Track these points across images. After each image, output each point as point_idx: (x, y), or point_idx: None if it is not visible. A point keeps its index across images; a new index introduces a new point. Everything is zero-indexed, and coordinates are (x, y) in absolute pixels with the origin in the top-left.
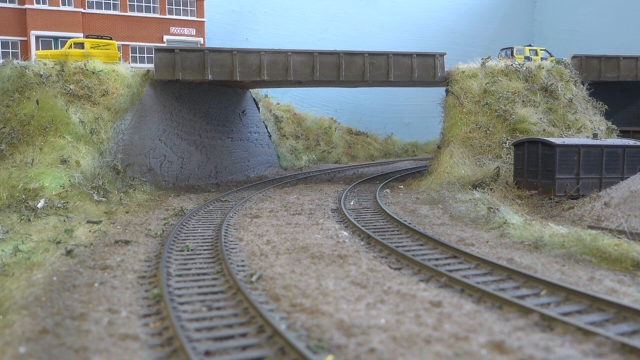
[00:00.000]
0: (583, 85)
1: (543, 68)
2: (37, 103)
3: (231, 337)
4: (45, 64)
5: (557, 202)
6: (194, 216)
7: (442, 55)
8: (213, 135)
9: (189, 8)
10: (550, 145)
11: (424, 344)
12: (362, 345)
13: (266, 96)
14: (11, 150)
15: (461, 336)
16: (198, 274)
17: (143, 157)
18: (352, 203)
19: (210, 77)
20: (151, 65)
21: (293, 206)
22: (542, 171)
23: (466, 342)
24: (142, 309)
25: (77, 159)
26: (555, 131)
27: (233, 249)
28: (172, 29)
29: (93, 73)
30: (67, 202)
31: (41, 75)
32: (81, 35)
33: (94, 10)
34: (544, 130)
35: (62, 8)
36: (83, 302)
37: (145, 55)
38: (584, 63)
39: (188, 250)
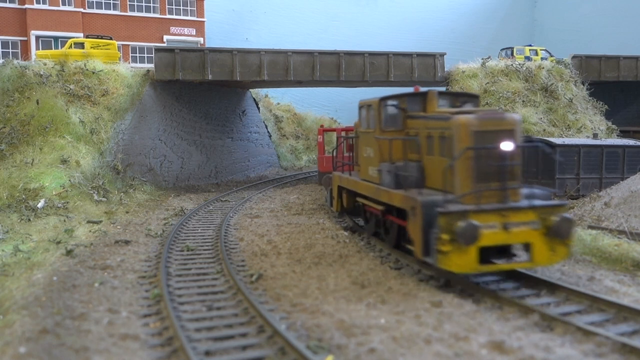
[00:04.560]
0: (583, 85)
1: (543, 68)
2: (37, 103)
3: (231, 337)
4: (45, 64)
5: None
6: (194, 216)
7: (442, 55)
8: (213, 135)
9: (189, 8)
10: (550, 146)
11: (424, 343)
12: (363, 345)
13: (266, 96)
14: (11, 150)
15: (461, 336)
16: (198, 274)
17: (143, 157)
18: None
19: (210, 77)
20: (151, 65)
21: (294, 206)
22: (542, 171)
23: (466, 342)
24: (142, 309)
25: (77, 159)
26: (555, 131)
27: (233, 248)
28: (172, 29)
29: (93, 73)
30: (67, 202)
31: (41, 75)
32: (81, 35)
33: (94, 10)
34: (544, 130)
35: (62, 8)
36: (83, 302)
37: (145, 55)
38: (584, 63)
39: (188, 250)
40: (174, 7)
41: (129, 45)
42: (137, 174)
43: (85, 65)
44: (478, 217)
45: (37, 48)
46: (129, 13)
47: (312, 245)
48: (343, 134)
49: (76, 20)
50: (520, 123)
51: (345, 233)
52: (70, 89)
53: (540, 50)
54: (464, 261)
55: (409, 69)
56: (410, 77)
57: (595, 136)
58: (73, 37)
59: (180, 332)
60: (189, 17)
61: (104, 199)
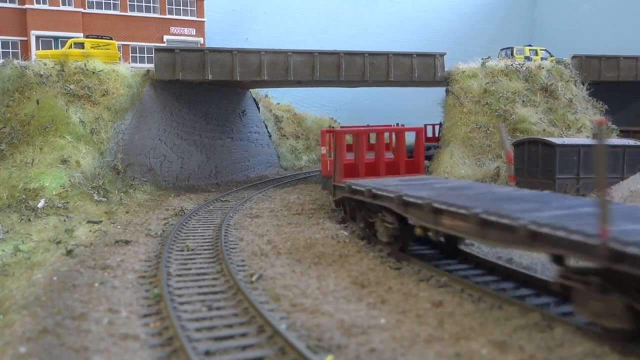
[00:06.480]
0: (583, 85)
1: (543, 68)
2: (37, 103)
3: (231, 337)
4: (45, 64)
5: None
6: (194, 216)
7: (442, 55)
8: (213, 135)
9: (189, 8)
10: (550, 145)
11: (424, 343)
12: (363, 345)
13: (266, 96)
14: (11, 150)
15: (462, 336)
16: (198, 274)
17: (143, 157)
18: None
19: (210, 77)
20: (151, 65)
21: (293, 206)
22: (542, 171)
23: (467, 342)
24: (142, 309)
25: (77, 159)
26: (555, 131)
27: (233, 248)
28: (172, 29)
29: (93, 73)
30: (67, 202)
31: (41, 75)
32: (81, 35)
33: (94, 10)
34: (544, 130)
35: (62, 8)
36: (83, 302)
37: (145, 55)
38: (584, 63)
39: (188, 250)
40: (174, 7)
41: (129, 45)
42: (137, 174)
43: (85, 65)
44: None
45: (37, 48)
46: (129, 13)
47: (312, 245)
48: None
49: (76, 20)
50: None
51: (345, 233)
52: (70, 89)
53: (540, 50)
54: None
55: (409, 69)
56: (410, 77)
57: (595, 136)
58: (73, 37)
59: (180, 332)
60: (189, 17)
61: (104, 199)
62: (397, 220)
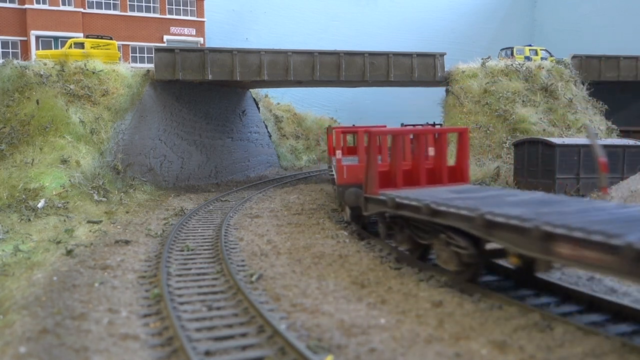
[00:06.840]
0: (583, 85)
1: (543, 68)
2: (37, 103)
3: (231, 337)
4: (45, 64)
5: None
6: (194, 216)
7: (442, 55)
8: (213, 135)
9: (189, 8)
10: (550, 145)
11: (424, 343)
12: (363, 345)
13: (266, 96)
14: (11, 150)
15: (462, 336)
16: (198, 274)
17: (143, 157)
18: None
19: (210, 77)
20: (151, 65)
21: (293, 206)
22: (542, 171)
23: (467, 342)
24: (142, 309)
25: (77, 159)
26: (555, 131)
27: (233, 248)
28: (172, 29)
29: (93, 73)
30: (68, 202)
31: (41, 75)
32: (81, 35)
33: (94, 10)
34: (544, 130)
35: (62, 8)
36: (83, 302)
37: (145, 55)
38: (584, 63)
39: (188, 250)
40: (174, 7)
41: (129, 45)
42: (137, 174)
43: (85, 65)
44: None
45: (37, 48)
46: (129, 13)
47: (312, 245)
48: None
49: (76, 20)
50: None
51: (345, 233)
52: (70, 89)
53: (540, 50)
54: None
55: (409, 69)
56: (410, 77)
57: (595, 136)
58: (73, 37)
59: (180, 332)
60: (189, 17)
61: (104, 199)
62: (471, 244)
